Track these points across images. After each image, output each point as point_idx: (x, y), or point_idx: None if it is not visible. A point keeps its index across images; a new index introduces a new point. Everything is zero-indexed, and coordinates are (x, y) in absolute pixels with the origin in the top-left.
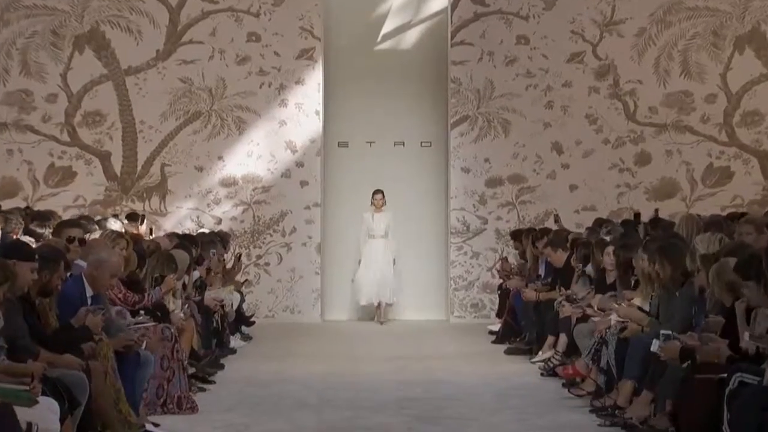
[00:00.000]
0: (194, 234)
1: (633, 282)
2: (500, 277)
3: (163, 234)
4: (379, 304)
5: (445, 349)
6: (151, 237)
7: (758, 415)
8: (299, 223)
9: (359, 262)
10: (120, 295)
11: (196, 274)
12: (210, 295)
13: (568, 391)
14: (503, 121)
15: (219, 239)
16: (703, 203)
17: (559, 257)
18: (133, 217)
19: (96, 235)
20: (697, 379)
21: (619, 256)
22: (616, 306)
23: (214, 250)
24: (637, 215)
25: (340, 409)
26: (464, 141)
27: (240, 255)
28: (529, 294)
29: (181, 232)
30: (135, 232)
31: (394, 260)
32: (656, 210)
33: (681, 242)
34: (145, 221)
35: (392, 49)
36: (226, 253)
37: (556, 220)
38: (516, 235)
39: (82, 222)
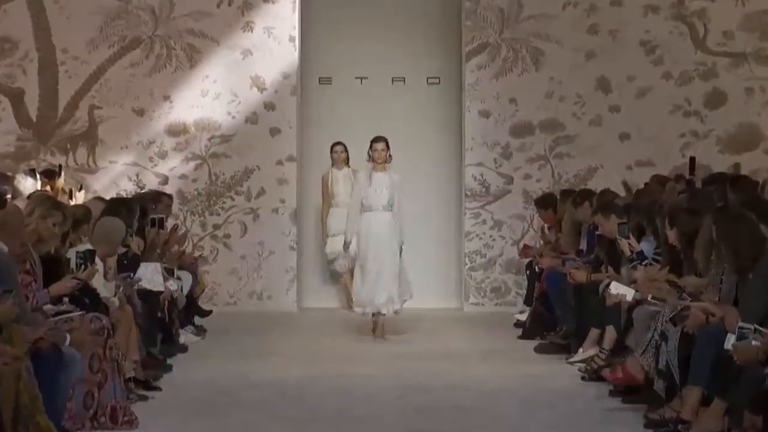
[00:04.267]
0: (133, 196)
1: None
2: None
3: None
4: (378, 316)
5: (458, 346)
6: (73, 200)
7: None
8: (269, 183)
9: (346, 245)
10: None
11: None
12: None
13: (619, 398)
14: (534, 50)
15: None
16: None
17: (611, 227)
18: (51, 173)
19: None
20: None
21: (684, 225)
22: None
23: (164, 216)
24: (692, 160)
25: (325, 423)
26: (483, 76)
27: (177, 226)
28: (579, 275)
29: (116, 194)
30: (50, 189)
31: (400, 248)
32: (693, 157)
33: (760, 209)
34: (63, 174)
35: None
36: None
37: (625, 184)
38: (545, 203)
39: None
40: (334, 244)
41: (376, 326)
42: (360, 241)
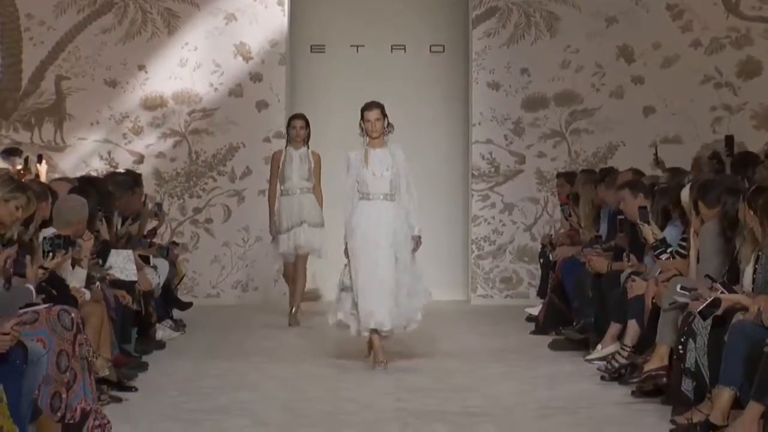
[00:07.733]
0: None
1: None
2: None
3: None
4: (376, 337)
5: (465, 343)
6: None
7: None
8: (255, 162)
9: (345, 250)
10: None
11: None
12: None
13: (643, 401)
14: (548, 14)
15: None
16: None
17: (635, 208)
18: (13, 151)
19: None
20: None
21: (725, 205)
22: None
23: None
24: (730, 139)
25: (315, 429)
26: (492, 44)
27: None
28: (599, 263)
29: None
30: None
31: (418, 241)
32: (730, 135)
33: None
34: (44, 161)
35: None
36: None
37: (656, 155)
38: (568, 177)
39: None
40: (286, 243)
41: (374, 347)
42: (353, 237)
